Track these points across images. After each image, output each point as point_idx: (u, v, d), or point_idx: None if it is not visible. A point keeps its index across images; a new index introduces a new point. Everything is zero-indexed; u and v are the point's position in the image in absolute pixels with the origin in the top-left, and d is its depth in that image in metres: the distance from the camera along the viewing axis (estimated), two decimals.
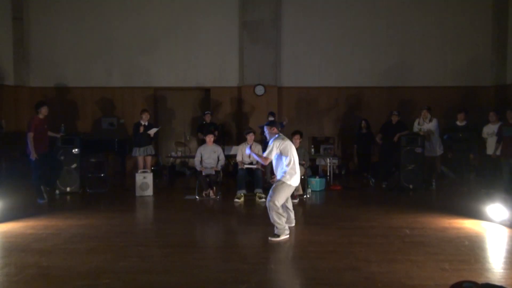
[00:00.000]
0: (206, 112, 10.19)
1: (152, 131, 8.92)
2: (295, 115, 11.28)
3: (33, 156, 7.40)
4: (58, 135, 8.24)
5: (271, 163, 9.40)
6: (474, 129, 8.72)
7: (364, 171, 10.24)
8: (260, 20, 10.96)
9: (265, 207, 7.22)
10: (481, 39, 11.12)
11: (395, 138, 8.91)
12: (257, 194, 7.71)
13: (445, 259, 4.43)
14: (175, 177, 10.49)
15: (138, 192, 8.06)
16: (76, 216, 6.39)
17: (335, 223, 6.04)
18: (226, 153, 8.83)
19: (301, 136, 8.08)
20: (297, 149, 8.01)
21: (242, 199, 7.59)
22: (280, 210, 5.29)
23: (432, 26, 11.15)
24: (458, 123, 8.72)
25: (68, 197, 8.07)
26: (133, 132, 9.07)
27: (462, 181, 8.72)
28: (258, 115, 10.91)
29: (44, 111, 7.63)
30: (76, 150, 8.28)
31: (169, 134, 11.72)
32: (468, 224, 5.85)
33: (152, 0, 11.30)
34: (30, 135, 7.39)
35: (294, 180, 5.39)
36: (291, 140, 8.20)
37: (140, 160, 8.83)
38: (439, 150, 8.93)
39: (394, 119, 9.29)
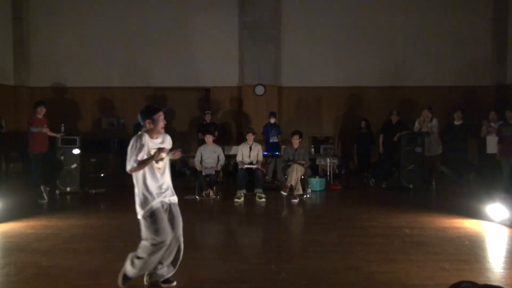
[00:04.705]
0: (206, 112, 10.20)
1: None
2: (295, 115, 11.28)
3: (30, 151, 7.44)
4: (58, 135, 8.24)
5: (270, 163, 9.18)
6: (473, 126, 8.72)
7: (364, 171, 10.23)
8: (260, 19, 10.96)
9: (265, 207, 7.26)
10: (481, 39, 11.11)
11: (395, 138, 8.92)
12: (257, 194, 7.69)
13: (445, 258, 4.42)
14: (175, 177, 10.47)
15: None
16: (76, 216, 6.38)
17: (335, 223, 6.03)
18: (226, 153, 8.82)
19: (300, 136, 8.07)
20: (296, 149, 8.05)
21: (242, 199, 7.57)
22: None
23: (432, 26, 11.14)
24: (455, 122, 8.72)
25: (68, 197, 8.06)
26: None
27: (461, 180, 8.71)
28: (258, 115, 10.91)
29: (39, 110, 7.64)
30: (76, 150, 8.29)
31: (169, 134, 11.67)
32: (468, 224, 5.84)
33: None
34: (32, 128, 7.47)
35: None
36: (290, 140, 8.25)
37: None
38: (439, 150, 8.93)
39: (394, 119, 9.30)
